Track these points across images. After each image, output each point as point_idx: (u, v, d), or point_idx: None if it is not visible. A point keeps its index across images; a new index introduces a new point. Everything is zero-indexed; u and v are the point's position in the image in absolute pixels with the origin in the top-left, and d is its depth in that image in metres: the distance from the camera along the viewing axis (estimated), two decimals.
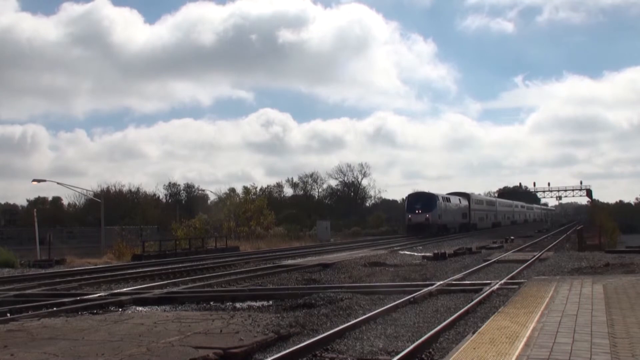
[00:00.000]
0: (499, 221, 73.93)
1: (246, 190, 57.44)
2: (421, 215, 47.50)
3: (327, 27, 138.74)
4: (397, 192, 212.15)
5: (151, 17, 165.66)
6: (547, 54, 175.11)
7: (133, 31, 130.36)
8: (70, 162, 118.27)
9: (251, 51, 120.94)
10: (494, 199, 78.84)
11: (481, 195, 71.44)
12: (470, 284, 14.53)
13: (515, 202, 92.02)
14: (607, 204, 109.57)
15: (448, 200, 53.94)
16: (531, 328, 7.39)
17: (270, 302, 12.75)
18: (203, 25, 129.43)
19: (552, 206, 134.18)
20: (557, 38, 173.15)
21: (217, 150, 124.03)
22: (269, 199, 61.17)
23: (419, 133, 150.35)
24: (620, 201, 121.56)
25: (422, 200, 49.01)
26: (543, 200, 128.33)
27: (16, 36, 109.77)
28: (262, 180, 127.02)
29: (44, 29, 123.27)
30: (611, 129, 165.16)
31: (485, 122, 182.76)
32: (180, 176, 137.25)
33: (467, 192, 62.72)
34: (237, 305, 12.67)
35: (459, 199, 58.00)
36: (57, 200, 73.76)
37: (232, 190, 61.29)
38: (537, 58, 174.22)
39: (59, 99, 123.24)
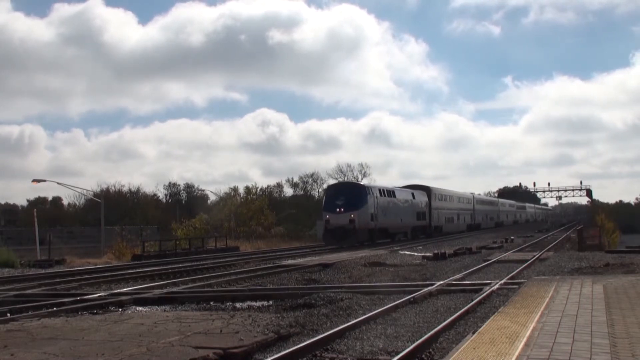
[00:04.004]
0: (478, 223, 63.38)
1: (247, 190, 57.53)
2: (343, 215, 34.14)
3: (319, 28, 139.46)
4: None
5: (145, 18, 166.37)
6: (535, 55, 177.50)
7: (127, 32, 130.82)
8: (68, 162, 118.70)
9: (244, 52, 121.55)
10: (469, 195, 65.09)
11: (449, 190, 57.08)
12: (470, 284, 14.53)
13: (502, 201, 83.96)
14: (607, 204, 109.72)
15: (390, 194, 40.03)
16: (531, 328, 7.39)
17: (270, 302, 12.75)
18: (196, 26, 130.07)
19: (551, 206, 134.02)
20: (544, 39, 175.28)
21: (214, 150, 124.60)
22: (269, 199, 61.17)
23: (415, 133, 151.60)
24: (620, 201, 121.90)
25: (345, 194, 35.26)
26: (543, 200, 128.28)
27: (10, 36, 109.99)
28: (259, 180, 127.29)
29: (37, 30, 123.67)
30: (606, 129, 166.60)
31: (480, 122, 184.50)
32: (178, 176, 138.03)
33: (426, 184, 50.06)
34: (237, 305, 12.67)
35: (412, 194, 44.42)
36: (57, 200, 73.92)
37: (235, 189, 61.28)
38: (525, 59, 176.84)
39: (54, 99, 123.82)
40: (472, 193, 72.67)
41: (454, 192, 57.85)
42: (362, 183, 39.66)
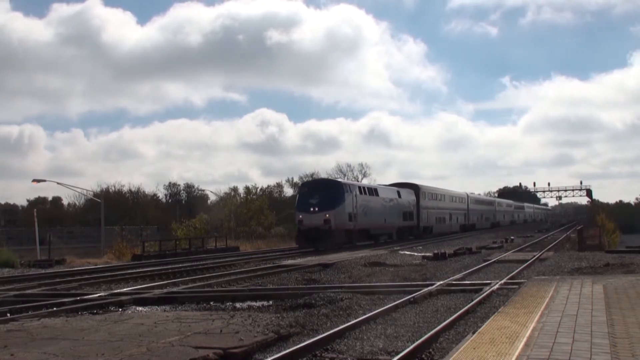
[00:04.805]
0: (473, 223, 60.87)
1: (247, 190, 57.53)
2: (318, 215, 31.18)
3: (317, 28, 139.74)
4: None
5: (144, 18, 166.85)
6: (533, 55, 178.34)
7: (126, 32, 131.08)
8: (68, 162, 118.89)
9: (242, 53, 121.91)
10: (463, 193, 61.36)
11: (440, 189, 53.73)
12: (470, 284, 14.53)
13: (499, 200, 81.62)
14: (607, 204, 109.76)
15: (372, 192, 37.32)
16: (531, 328, 7.39)
17: (270, 302, 12.75)
18: (194, 26, 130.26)
19: (551, 206, 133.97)
20: (542, 40, 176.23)
21: (213, 150, 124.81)
22: (269, 199, 61.15)
23: (414, 133, 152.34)
24: (620, 201, 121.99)
25: (320, 192, 32.23)
26: (543, 200, 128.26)
27: (8, 37, 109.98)
28: (258, 180, 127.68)
29: (36, 30, 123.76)
30: (605, 129, 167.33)
31: (479, 122, 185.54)
32: (178, 176, 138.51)
33: (415, 182, 47.17)
34: (237, 305, 12.67)
35: (397, 192, 41.48)
36: (57, 200, 73.98)
37: (234, 189, 61.30)
38: (523, 60, 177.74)
39: (53, 100, 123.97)
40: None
41: (446, 191, 54.78)
42: (339, 180, 35.72)
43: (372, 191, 37.54)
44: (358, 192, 34.54)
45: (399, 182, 47.14)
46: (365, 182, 65.41)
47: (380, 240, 37.18)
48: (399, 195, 41.46)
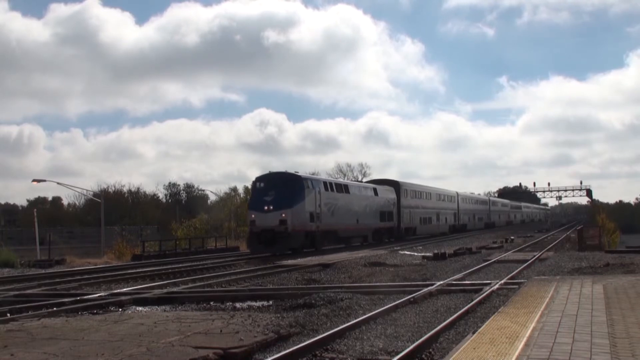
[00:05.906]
0: (464, 224, 57.63)
1: (247, 190, 57.44)
2: (272, 214, 27.12)
3: (316, 29, 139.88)
4: None
5: (142, 18, 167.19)
6: (530, 55, 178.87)
7: (125, 32, 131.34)
8: (67, 162, 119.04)
9: (241, 53, 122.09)
10: (453, 192, 57.23)
11: (425, 186, 49.83)
12: (470, 284, 14.54)
13: (494, 199, 79.37)
14: (607, 204, 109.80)
15: (341, 189, 32.96)
16: (531, 328, 7.39)
17: (270, 302, 12.76)
18: (192, 26, 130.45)
19: (551, 206, 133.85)
20: (539, 40, 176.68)
21: (212, 150, 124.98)
22: None
23: (413, 133, 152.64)
24: (620, 201, 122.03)
25: (275, 188, 27.92)
26: (543, 200, 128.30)
27: (7, 37, 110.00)
28: None
29: (35, 30, 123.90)
30: (603, 129, 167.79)
31: (477, 122, 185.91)
32: (177, 176, 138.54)
33: (395, 179, 43.35)
34: (237, 305, 12.67)
35: (374, 189, 37.31)
36: (57, 200, 74.01)
37: (234, 189, 61.25)
38: (520, 60, 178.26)
39: (52, 100, 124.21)
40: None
41: (431, 189, 50.66)
42: (298, 173, 30.38)
43: (341, 188, 33.45)
44: (323, 189, 30.31)
45: (377, 178, 44.30)
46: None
47: (352, 244, 33.35)
48: (376, 193, 37.37)
